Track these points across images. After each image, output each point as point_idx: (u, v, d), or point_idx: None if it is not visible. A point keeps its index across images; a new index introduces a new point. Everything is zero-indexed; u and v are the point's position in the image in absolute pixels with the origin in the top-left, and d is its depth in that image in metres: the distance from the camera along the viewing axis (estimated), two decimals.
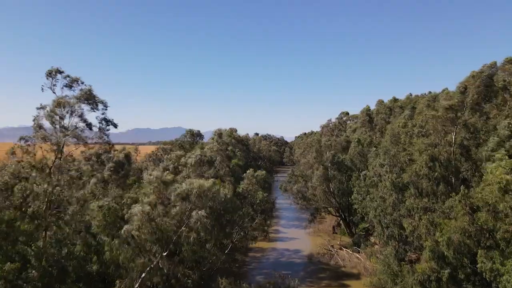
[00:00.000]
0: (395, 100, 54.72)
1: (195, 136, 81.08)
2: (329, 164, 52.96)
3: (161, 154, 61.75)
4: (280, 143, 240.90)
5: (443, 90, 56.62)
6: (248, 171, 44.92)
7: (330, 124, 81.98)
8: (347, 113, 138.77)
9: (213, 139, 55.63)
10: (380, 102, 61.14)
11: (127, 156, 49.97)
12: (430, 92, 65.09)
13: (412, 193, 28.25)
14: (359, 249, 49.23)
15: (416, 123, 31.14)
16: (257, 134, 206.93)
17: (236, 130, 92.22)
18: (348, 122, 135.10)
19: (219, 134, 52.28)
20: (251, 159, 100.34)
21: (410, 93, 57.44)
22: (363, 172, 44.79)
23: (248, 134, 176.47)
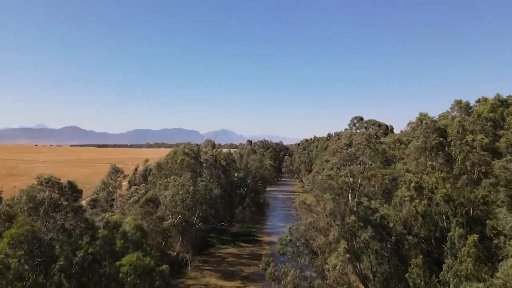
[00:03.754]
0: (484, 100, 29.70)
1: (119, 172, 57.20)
2: (356, 224, 27.68)
3: None
4: (279, 148, 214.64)
5: None
6: None
7: (345, 146, 53.52)
8: (361, 118, 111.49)
9: None
10: (462, 105, 34.56)
11: None
12: None
13: None
14: None
15: None
16: (250, 142, 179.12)
17: (214, 145, 66.58)
18: (363, 130, 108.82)
19: None
20: (234, 186, 74.25)
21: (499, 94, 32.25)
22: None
23: (241, 143, 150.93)
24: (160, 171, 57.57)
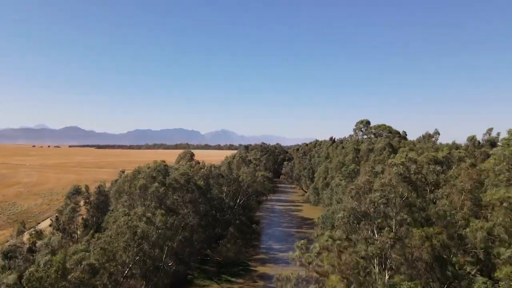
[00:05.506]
0: None
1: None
2: None
3: None
4: (278, 152, 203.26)
5: None
6: None
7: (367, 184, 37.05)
8: (368, 122, 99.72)
9: None
10: None
11: None
12: None
13: None
14: None
15: None
16: (246, 147, 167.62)
17: (192, 156, 54.87)
18: (371, 136, 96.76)
19: None
20: (219, 208, 62.40)
21: None
22: None
23: (241, 143, 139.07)
24: (120, 197, 45.82)
